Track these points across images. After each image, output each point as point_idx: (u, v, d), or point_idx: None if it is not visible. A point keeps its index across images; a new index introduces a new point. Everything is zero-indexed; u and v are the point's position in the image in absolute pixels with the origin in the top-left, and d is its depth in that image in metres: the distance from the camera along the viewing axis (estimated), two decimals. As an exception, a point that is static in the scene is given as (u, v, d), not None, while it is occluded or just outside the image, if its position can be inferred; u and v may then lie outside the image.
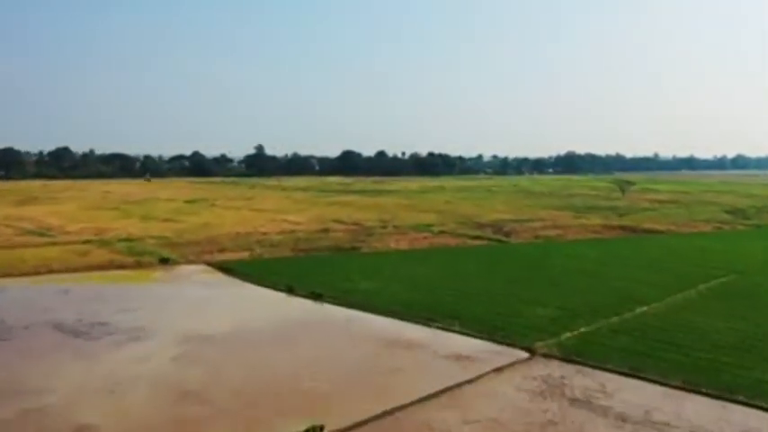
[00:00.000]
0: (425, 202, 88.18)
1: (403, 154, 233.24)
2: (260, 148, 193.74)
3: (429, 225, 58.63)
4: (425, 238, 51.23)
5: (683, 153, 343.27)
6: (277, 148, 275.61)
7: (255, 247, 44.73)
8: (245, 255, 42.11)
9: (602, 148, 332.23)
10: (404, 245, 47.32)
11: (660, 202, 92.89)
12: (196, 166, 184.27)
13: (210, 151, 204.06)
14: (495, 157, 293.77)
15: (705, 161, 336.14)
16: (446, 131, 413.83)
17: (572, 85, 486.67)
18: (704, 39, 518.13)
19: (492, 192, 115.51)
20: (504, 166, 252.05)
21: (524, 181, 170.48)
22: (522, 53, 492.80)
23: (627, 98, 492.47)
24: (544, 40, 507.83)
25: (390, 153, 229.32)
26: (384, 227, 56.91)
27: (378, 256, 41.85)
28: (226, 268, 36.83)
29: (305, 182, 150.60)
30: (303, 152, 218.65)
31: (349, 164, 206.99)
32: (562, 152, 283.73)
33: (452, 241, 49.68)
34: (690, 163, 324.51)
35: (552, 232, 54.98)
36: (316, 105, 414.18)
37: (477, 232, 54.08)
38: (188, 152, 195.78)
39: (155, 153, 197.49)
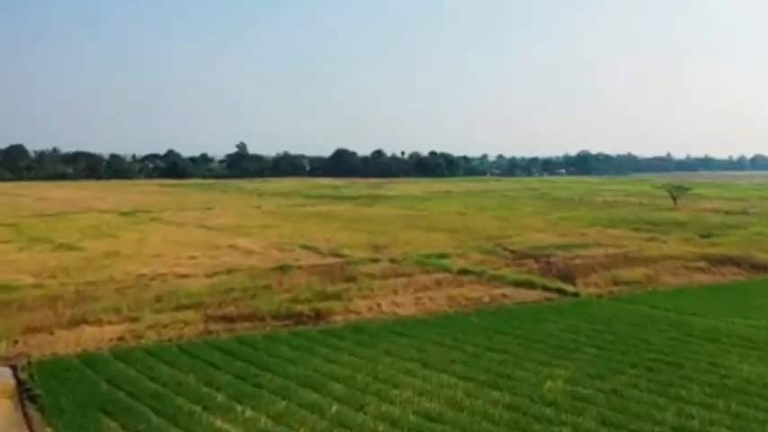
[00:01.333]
0: (432, 213, 68.93)
1: (402, 153, 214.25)
2: (242, 147, 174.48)
3: (442, 255, 39.36)
4: (440, 284, 31.99)
5: (696, 152, 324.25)
6: (265, 147, 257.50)
7: (148, 312, 25.49)
8: (117, 330, 23.12)
9: (611, 148, 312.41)
10: (405, 303, 28.09)
11: (726, 212, 73.58)
12: (171, 167, 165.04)
13: (192, 150, 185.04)
14: (500, 156, 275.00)
15: (723, 161, 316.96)
16: (447, 129, 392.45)
17: (578, 82, 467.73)
18: (715, 36, 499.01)
19: (509, 197, 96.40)
20: (511, 167, 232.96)
21: (539, 183, 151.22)
22: (525, 49, 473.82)
23: (635, 96, 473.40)
24: (547, 36, 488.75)
25: (389, 152, 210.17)
26: (376, 260, 37.67)
27: (357, 346, 22.20)
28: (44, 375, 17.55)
29: (290, 185, 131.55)
30: (294, 151, 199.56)
31: (343, 164, 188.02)
32: (572, 152, 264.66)
33: (484, 292, 30.41)
34: (707, 163, 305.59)
35: (633, 272, 35.61)
36: (308, 100, 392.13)
37: (520, 273, 34.70)
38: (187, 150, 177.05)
39: (127, 152, 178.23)
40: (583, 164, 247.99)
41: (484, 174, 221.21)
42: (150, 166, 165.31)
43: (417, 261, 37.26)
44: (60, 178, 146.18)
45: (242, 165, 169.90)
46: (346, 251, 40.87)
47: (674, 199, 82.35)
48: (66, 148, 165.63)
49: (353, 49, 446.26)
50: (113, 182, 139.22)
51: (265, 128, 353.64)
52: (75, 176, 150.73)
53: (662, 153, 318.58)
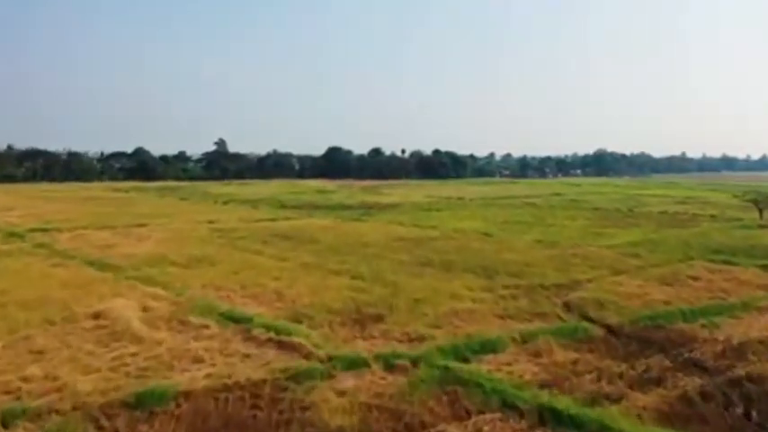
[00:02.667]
0: (446, 235, 49.16)
1: (403, 152, 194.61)
2: (221, 144, 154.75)
3: (487, 345, 19.86)
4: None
5: (712, 152, 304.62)
6: (253, 145, 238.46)
7: None
8: None
9: (620, 146, 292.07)
10: None
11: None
12: (140, 166, 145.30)
13: (171, 148, 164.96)
14: (507, 155, 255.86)
15: (744, 161, 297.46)
16: (448, 126, 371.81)
17: (585, 80, 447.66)
18: (733, 33, 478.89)
19: (537, 207, 76.78)
20: (522, 167, 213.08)
21: (562, 186, 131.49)
22: (531, 44, 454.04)
23: (646, 94, 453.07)
24: (558, 30, 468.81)
25: (387, 151, 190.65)
26: (357, 365, 18.00)
27: None
28: None
29: (270, 188, 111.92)
30: (284, 149, 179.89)
31: (336, 164, 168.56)
32: (581, 150, 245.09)
33: None
34: (730, 163, 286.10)
35: None
36: (298, 93, 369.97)
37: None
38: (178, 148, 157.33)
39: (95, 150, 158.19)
40: (599, 163, 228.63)
41: (493, 175, 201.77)
42: (116, 165, 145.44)
43: (441, 373, 17.48)
44: (8, 180, 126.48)
45: (221, 164, 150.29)
46: (303, 330, 21.17)
47: (761, 212, 62.77)
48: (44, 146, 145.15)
49: (351, 45, 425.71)
50: (65, 184, 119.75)
51: (254, 124, 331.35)
52: (26, 178, 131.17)
53: (676, 152, 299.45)
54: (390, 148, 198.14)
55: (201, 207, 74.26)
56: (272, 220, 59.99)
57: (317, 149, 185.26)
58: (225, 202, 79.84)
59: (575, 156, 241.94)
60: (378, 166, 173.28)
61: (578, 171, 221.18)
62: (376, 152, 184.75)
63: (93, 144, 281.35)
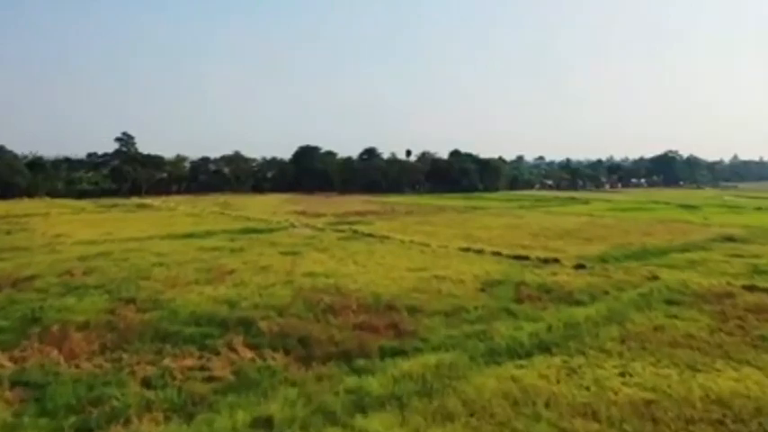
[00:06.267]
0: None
1: (408, 154, 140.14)
2: (126, 141, 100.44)
3: None
4: None
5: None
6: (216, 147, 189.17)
7: None
8: None
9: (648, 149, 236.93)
10: None
11: None
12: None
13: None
14: (539, 158, 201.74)
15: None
16: (452, 123, 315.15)
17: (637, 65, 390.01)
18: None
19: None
20: (573, 175, 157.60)
21: (682, 211, 75.51)
22: (566, 27, 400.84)
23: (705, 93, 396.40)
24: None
25: (386, 153, 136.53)
26: None
27: None
28: None
29: (141, 218, 57.16)
30: (249, 151, 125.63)
31: (310, 170, 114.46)
32: (618, 154, 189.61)
33: None
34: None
35: None
36: (266, 85, 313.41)
37: None
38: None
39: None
40: (665, 169, 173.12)
41: (531, 185, 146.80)
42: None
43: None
44: None
45: (123, 172, 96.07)
46: None
47: None
48: None
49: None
50: None
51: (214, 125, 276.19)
52: None
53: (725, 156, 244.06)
54: (389, 148, 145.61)
55: None
56: None
57: (284, 150, 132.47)
58: None
59: (640, 158, 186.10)
60: (370, 172, 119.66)
61: (642, 180, 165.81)
62: (369, 154, 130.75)
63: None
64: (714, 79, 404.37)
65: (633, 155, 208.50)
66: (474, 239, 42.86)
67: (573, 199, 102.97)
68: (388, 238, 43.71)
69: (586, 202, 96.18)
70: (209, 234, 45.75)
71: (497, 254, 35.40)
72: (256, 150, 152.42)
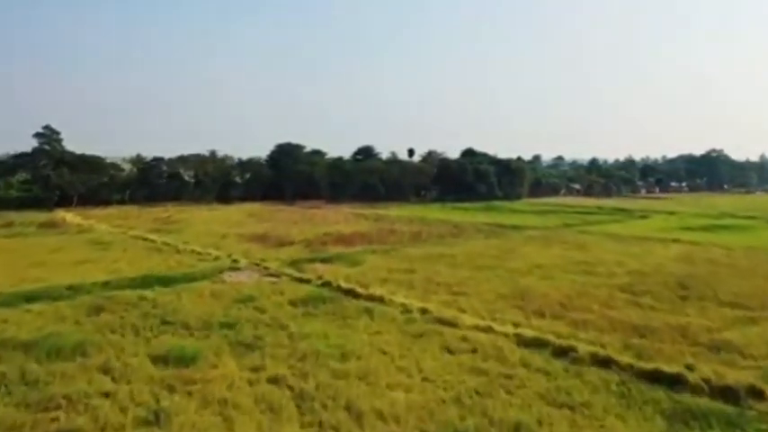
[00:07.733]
0: None
1: (411, 154, 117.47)
2: (49, 136, 77.89)
3: None
4: None
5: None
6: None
7: None
8: None
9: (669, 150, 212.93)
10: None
11: None
12: None
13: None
14: (558, 158, 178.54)
15: None
16: (459, 119, 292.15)
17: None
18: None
19: None
20: (606, 177, 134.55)
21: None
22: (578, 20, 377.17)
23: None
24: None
25: (384, 153, 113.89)
26: None
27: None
28: None
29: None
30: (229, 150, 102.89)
31: (289, 173, 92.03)
32: (638, 154, 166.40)
33: None
34: None
35: None
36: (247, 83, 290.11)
37: None
38: None
39: None
40: (708, 171, 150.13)
41: (557, 190, 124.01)
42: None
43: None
44: None
45: (45, 177, 73.62)
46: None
47: None
48: None
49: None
50: None
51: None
52: None
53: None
54: (388, 147, 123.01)
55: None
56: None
57: (261, 148, 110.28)
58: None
59: (677, 157, 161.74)
60: (365, 175, 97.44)
61: (683, 184, 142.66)
62: (364, 153, 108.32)
63: None
64: (745, 77, 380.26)
65: (666, 154, 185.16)
66: (534, 303, 22.19)
67: (622, 211, 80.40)
68: (382, 301, 23.27)
69: (644, 215, 73.60)
70: (53, 296, 24.10)
71: (603, 361, 15.53)
72: (240, 151, 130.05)
